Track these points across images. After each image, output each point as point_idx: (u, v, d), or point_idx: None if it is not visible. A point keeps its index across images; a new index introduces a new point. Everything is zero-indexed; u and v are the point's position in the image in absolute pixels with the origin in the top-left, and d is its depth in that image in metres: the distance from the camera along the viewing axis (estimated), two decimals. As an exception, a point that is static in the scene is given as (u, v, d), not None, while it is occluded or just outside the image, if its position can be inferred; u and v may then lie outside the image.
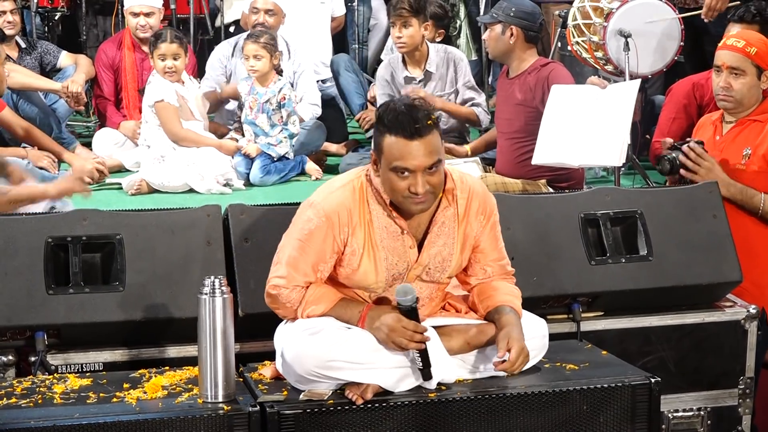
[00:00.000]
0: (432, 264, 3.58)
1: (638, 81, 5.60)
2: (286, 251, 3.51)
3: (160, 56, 6.50)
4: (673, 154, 4.75)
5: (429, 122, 3.36)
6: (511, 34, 5.77)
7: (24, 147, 6.48)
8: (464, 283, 3.76)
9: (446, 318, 3.66)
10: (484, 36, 5.96)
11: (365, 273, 3.52)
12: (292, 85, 6.94)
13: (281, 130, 6.63)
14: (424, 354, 3.40)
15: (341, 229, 3.46)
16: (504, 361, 3.47)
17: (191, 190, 6.26)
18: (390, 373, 3.42)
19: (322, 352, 3.38)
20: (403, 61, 6.70)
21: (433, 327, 3.53)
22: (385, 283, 3.55)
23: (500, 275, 3.71)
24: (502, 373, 3.56)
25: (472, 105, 6.69)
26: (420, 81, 6.68)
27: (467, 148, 6.34)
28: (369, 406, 3.37)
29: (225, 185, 6.32)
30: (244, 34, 7.23)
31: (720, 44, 4.89)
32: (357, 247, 3.49)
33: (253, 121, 6.63)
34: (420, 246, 3.55)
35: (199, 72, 7.28)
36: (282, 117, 6.65)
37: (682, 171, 4.71)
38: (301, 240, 3.48)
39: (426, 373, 3.42)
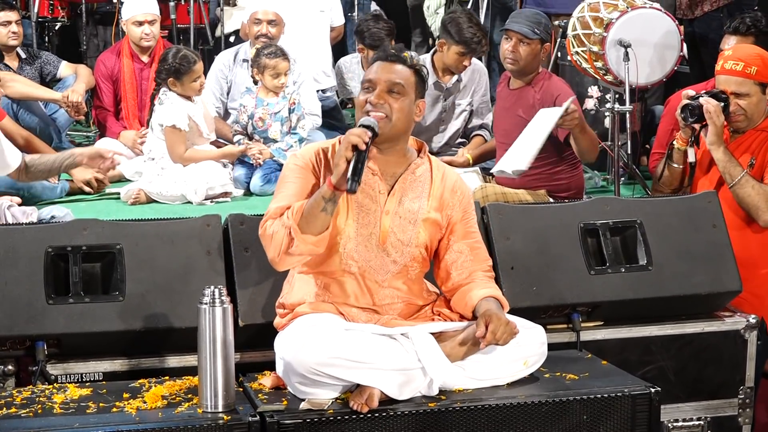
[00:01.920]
0: (402, 213, 3.66)
1: (559, 109, 5.49)
2: (274, 198, 3.68)
3: (196, 78, 6.45)
4: (695, 103, 4.74)
5: (405, 55, 3.66)
6: (545, 51, 5.78)
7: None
8: (444, 277, 3.78)
9: (438, 324, 3.67)
10: (513, 48, 5.77)
11: (337, 210, 3.57)
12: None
13: (291, 136, 6.64)
14: (359, 160, 3.44)
15: (317, 162, 3.67)
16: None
17: (189, 201, 6.26)
18: (391, 376, 3.42)
19: (324, 348, 3.38)
20: (433, 66, 6.73)
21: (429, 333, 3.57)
22: (355, 230, 3.62)
23: (477, 263, 3.75)
24: (502, 382, 3.59)
25: (481, 128, 6.79)
26: (447, 89, 6.72)
27: (468, 155, 6.36)
28: (369, 415, 3.37)
29: (209, 199, 6.29)
30: (245, 44, 7.24)
31: (718, 67, 4.86)
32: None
33: (265, 132, 6.63)
34: (391, 194, 3.68)
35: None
36: (292, 122, 6.66)
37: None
38: (284, 182, 3.69)
39: (350, 181, 3.43)
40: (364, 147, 3.44)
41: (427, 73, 3.75)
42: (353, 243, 3.63)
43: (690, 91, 4.82)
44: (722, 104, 4.69)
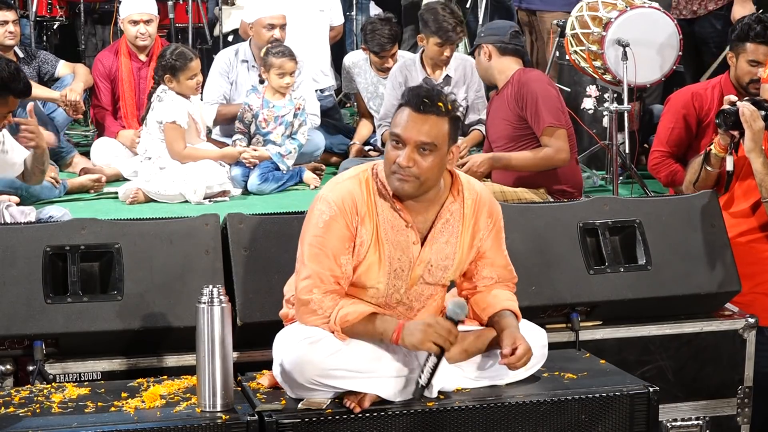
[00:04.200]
0: (434, 261, 3.57)
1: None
2: (306, 251, 3.48)
3: (192, 75, 6.43)
4: (731, 108, 4.59)
5: (439, 104, 3.41)
6: (485, 53, 5.81)
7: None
8: (465, 289, 3.74)
9: None
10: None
11: (369, 266, 3.50)
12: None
13: (291, 141, 6.64)
14: (435, 368, 3.38)
15: (353, 218, 3.47)
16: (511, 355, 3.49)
17: (187, 200, 6.25)
18: (390, 382, 3.42)
19: (323, 360, 3.38)
20: (422, 63, 6.76)
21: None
22: (386, 281, 3.53)
23: (506, 281, 3.73)
24: (501, 382, 3.59)
25: (478, 122, 6.81)
26: (438, 84, 6.73)
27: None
28: (368, 415, 3.37)
29: (208, 198, 6.29)
30: (245, 44, 7.21)
31: (764, 75, 4.78)
32: (366, 239, 3.48)
33: (267, 134, 6.62)
34: (423, 242, 3.56)
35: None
36: (294, 127, 6.66)
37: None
38: (318, 234, 3.47)
39: (421, 390, 3.40)
40: (447, 349, 3.38)
41: (462, 114, 3.64)
42: (382, 292, 3.56)
43: (732, 97, 4.70)
44: (764, 113, 4.59)
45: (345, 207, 3.46)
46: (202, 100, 6.85)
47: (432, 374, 3.39)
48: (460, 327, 3.61)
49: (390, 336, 3.41)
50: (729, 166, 4.65)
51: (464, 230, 3.60)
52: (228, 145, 6.82)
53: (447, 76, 6.80)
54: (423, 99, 3.42)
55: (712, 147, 4.69)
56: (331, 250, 3.45)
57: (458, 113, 3.51)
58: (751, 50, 5.52)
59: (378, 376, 3.40)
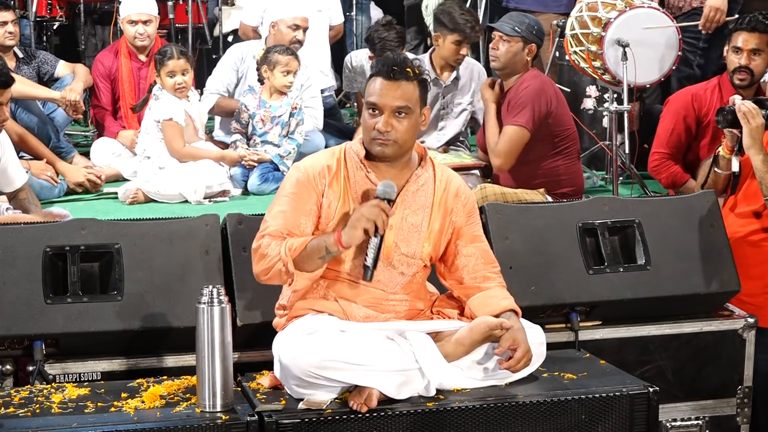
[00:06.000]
0: (406, 227, 3.65)
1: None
2: (272, 209, 3.65)
3: (169, 73, 6.42)
4: (730, 107, 4.61)
5: (408, 69, 3.59)
6: (529, 51, 5.80)
7: (20, 157, 6.46)
8: (455, 282, 3.77)
9: (436, 323, 3.68)
10: (494, 45, 5.88)
11: (338, 225, 3.58)
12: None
13: (289, 141, 6.63)
14: (378, 247, 3.48)
15: (319, 180, 3.62)
16: (508, 358, 3.54)
17: (187, 200, 6.25)
18: (389, 377, 3.42)
19: (319, 351, 3.39)
20: (431, 64, 6.75)
21: (426, 334, 3.57)
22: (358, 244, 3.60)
23: (489, 263, 3.75)
24: (500, 382, 3.59)
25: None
26: (445, 87, 6.73)
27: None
28: (367, 415, 3.37)
29: (208, 198, 6.29)
30: (256, 42, 7.18)
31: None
32: (333, 199, 3.61)
33: (264, 134, 6.62)
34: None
35: (197, 82, 7.24)
36: (291, 127, 6.65)
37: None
38: (284, 195, 3.64)
39: (369, 270, 3.50)
40: (383, 230, 3.46)
41: (429, 79, 3.74)
42: (360, 260, 3.61)
43: (737, 97, 4.69)
44: (765, 112, 4.56)
45: (314, 171, 3.64)
46: (200, 97, 6.84)
47: (376, 255, 3.49)
48: (455, 324, 3.62)
49: (333, 243, 3.49)
50: (735, 167, 4.66)
51: (435, 204, 3.70)
52: (228, 144, 6.81)
53: (456, 78, 6.77)
54: (392, 67, 3.60)
55: (720, 149, 4.68)
56: (291, 209, 3.60)
57: (426, 77, 3.67)
58: (734, 37, 5.55)
59: (376, 369, 3.41)
